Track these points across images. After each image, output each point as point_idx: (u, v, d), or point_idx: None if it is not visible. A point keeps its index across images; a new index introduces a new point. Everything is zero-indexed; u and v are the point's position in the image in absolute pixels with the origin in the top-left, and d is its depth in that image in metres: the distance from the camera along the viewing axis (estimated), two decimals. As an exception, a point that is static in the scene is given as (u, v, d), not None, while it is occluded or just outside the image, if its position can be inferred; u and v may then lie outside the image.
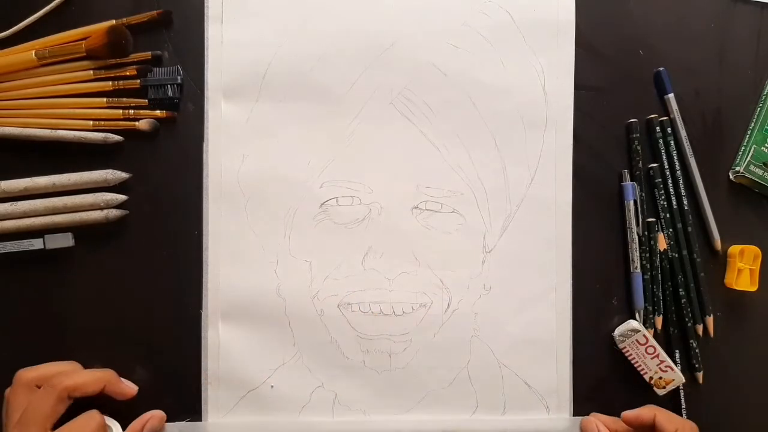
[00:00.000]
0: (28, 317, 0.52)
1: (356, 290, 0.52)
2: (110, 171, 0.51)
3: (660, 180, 0.55)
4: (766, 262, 0.55)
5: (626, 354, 0.54)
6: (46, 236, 0.50)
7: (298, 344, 0.52)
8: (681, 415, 0.54)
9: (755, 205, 0.56)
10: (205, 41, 0.52)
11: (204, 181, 0.52)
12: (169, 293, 0.52)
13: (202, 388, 0.52)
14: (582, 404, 0.54)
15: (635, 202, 0.54)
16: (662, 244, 0.54)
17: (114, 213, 0.51)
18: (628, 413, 0.51)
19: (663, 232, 0.55)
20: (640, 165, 0.54)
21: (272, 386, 0.52)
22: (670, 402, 0.55)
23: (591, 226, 0.54)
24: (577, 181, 0.54)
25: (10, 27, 0.51)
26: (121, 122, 0.51)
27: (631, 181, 0.54)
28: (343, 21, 0.52)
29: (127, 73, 0.51)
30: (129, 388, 0.50)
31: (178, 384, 0.52)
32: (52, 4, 0.51)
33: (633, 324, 0.53)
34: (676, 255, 0.55)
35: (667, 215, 0.55)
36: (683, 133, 0.55)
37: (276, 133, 0.52)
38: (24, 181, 0.51)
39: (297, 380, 0.52)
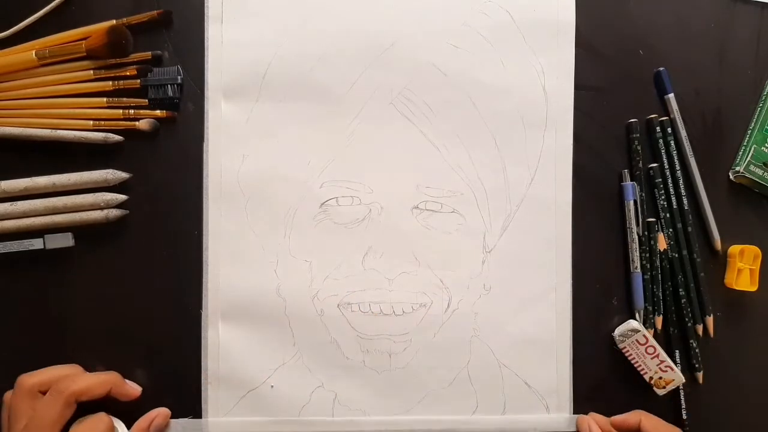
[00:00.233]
0: (27, 317, 0.52)
1: (356, 290, 0.52)
2: (110, 171, 0.51)
3: (660, 180, 0.55)
4: (766, 262, 0.55)
5: (626, 354, 0.54)
6: (46, 236, 0.50)
7: (298, 344, 0.52)
8: (681, 415, 0.55)
9: (755, 205, 0.56)
10: (205, 41, 0.52)
11: (204, 181, 0.52)
12: (169, 293, 0.52)
13: (202, 388, 0.52)
14: (582, 404, 0.54)
15: (635, 202, 0.54)
16: (662, 244, 0.54)
17: (114, 213, 0.51)
18: (615, 418, 0.52)
19: (663, 232, 0.55)
20: (640, 165, 0.54)
21: (272, 386, 0.52)
22: (670, 402, 0.55)
23: (591, 226, 0.54)
24: (577, 181, 0.54)
25: (10, 27, 0.51)
26: (121, 122, 0.51)
27: (631, 181, 0.54)
28: (343, 21, 0.52)
29: (127, 73, 0.51)
30: (133, 389, 0.50)
31: (178, 384, 0.52)
32: (52, 4, 0.51)
33: (633, 324, 0.53)
34: (676, 255, 0.55)
35: (667, 215, 0.55)
36: (683, 133, 0.55)
37: (276, 133, 0.52)
38: (24, 181, 0.51)
39: (297, 380, 0.52)
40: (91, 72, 0.51)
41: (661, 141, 0.55)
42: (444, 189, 0.53)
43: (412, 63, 0.52)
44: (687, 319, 0.54)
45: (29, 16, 0.51)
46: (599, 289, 0.55)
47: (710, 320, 0.55)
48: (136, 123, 0.51)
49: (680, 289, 0.54)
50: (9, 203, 0.50)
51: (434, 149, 0.53)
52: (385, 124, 0.52)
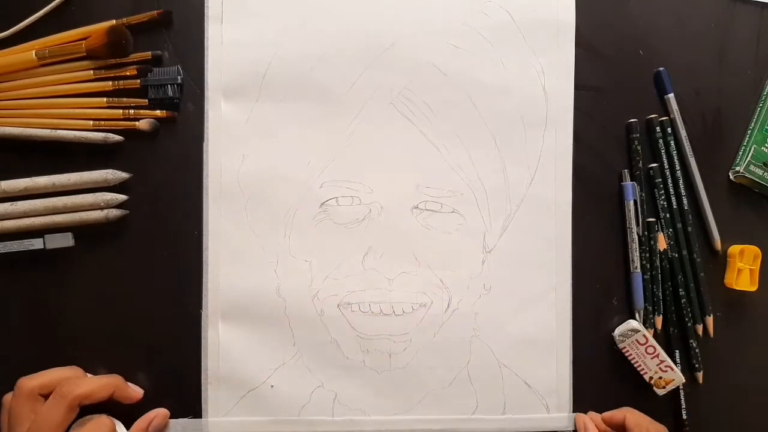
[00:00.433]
0: (27, 317, 0.52)
1: (356, 290, 0.52)
2: (110, 171, 0.51)
3: (660, 180, 0.55)
4: (766, 262, 0.55)
5: (626, 354, 0.54)
6: (46, 236, 0.50)
7: (298, 344, 0.52)
8: (681, 415, 0.55)
9: (755, 205, 0.56)
10: (205, 41, 0.52)
11: (204, 181, 0.52)
12: (169, 293, 0.52)
13: (202, 388, 0.52)
14: (582, 404, 0.54)
15: (635, 202, 0.54)
16: (662, 244, 0.54)
17: (114, 213, 0.51)
18: (604, 414, 0.53)
19: (663, 232, 0.55)
20: (640, 165, 0.54)
21: (272, 386, 0.52)
22: (670, 402, 0.55)
23: (591, 226, 0.54)
24: (577, 181, 0.54)
25: (10, 27, 0.51)
26: (121, 122, 0.51)
27: (631, 181, 0.54)
28: (343, 21, 0.52)
29: (127, 73, 0.51)
30: (136, 392, 0.50)
31: (178, 384, 0.52)
32: (52, 4, 0.51)
33: (633, 324, 0.53)
34: (676, 255, 0.55)
35: (667, 215, 0.55)
36: (683, 133, 0.55)
37: (276, 133, 0.52)
38: (24, 181, 0.51)
39: (297, 380, 0.52)
40: (91, 72, 0.51)
41: (661, 141, 0.55)
42: (444, 189, 0.53)
43: (412, 63, 0.52)
44: (687, 319, 0.54)
45: (29, 16, 0.51)
46: (599, 289, 0.55)
47: (710, 320, 0.55)
48: (136, 123, 0.51)
49: (680, 289, 0.54)
50: (9, 203, 0.50)
51: (434, 149, 0.53)
52: (385, 124, 0.52)
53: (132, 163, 0.52)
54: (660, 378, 0.53)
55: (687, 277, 0.54)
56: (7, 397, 0.48)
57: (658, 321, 0.54)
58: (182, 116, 0.52)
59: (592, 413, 0.53)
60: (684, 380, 0.54)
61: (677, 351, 0.55)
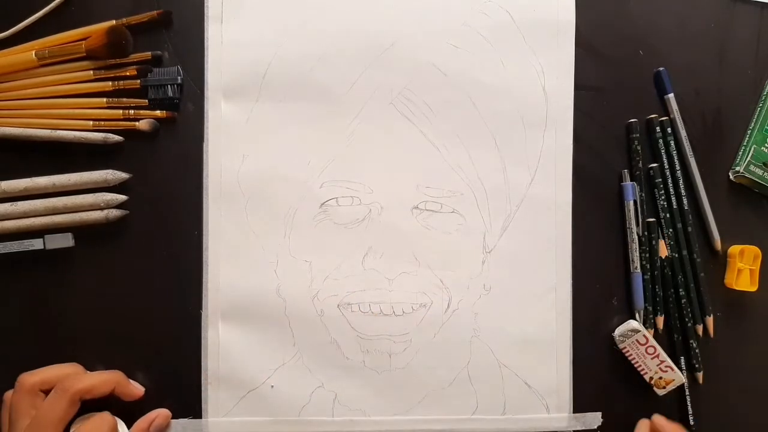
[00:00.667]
0: (27, 317, 0.52)
1: (356, 290, 0.52)
2: (110, 171, 0.51)
3: (660, 180, 0.55)
4: (766, 262, 0.55)
5: (626, 354, 0.54)
6: (46, 236, 0.50)
7: (298, 344, 0.52)
8: (684, 417, 0.55)
9: (755, 205, 0.56)
10: (205, 41, 0.52)
11: (204, 181, 0.52)
12: (169, 293, 0.52)
13: (202, 388, 0.52)
14: (582, 404, 0.54)
15: (635, 202, 0.54)
16: (663, 251, 0.54)
17: (114, 213, 0.51)
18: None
19: (663, 231, 0.55)
20: (640, 165, 0.54)
21: (272, 386, 0.52)
22: (670, 402, 0.55)
23: (591, 226, 0.54)
24: (577, 181, 0.54)
25: (10, 27, 0.51)
26: (121, 122, 0.51)
27: (631, 181, 0.54)
28: (343, 21, 0.52)
29: (127, 74, 0.51)
30: (137, 389, 0.50)
31: (178, 384, 0.52)
32: (52, 5, 0.51)
33: (633, 324, 0.53)
34: (676, 255, 0.55)
35: (667, 215, 0.55)
36: (683, 133, 0.55)
37: (276, 133, 0.52)
38: (24, 181, 0.51)
39: (297, 380, 0.52)
40: (91, 72, 0.51)
41: (661, 141, 0.55)
42: (444, 189, 0.53)
43: (412, 63, 0.52)
44: (687, 320, 0.54)
45: (29, 17, 0.51)
46: (599, 289, 0.55)
47: (710, 320, 0.55)
48: (136, 123, 0.51)
49: (680, 290, 0.54)
50: (9, 203, 0.50)
51: (434, 149, 0.53)
52: (385, 124, 0.52)
53: (132, 163, 0.52)
54: (660, 378, 0.53)
55: (687, 278, 0.54)
56: (8, 393, 0.48)
57: (659, 321, 0.54)
58: (182, 116, 0.52)
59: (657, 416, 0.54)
60: (684, 380, 0.54)
61: (677, 351, 0.54)
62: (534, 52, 0.53)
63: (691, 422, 0.54)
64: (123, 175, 0.51)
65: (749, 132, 0.56)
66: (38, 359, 0.49)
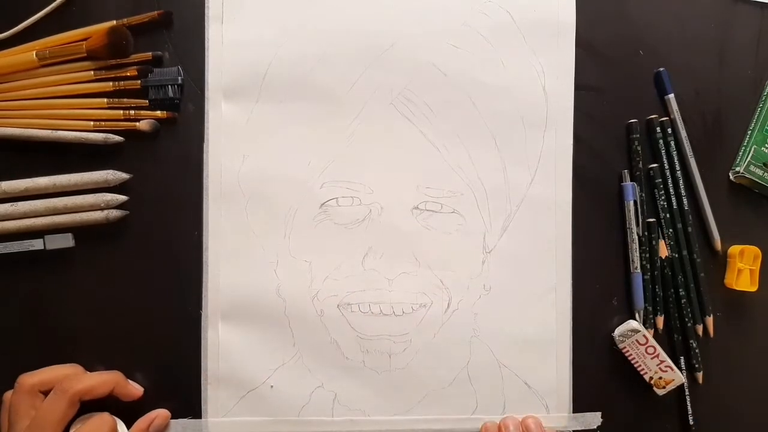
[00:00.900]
0: (27, 317, 0.52)
1: (356, 290, 0.52)
2: (111, 171, 0.51)
3: (660, 180, 0.55)
4: (766, 262, 0.55)
5: (626, 354, 0.54)
6: (46, 237, 0.51)
7: (298, 344, 0.52)
8: (681, 416, 0.55)
9: (755, 205, 0.56)
10: (206, 41, 0.52)
11: (204, 181, 0.52)
12: (169, 293, 0.52)
13: (202, 388, 0.52)
14: (582, 404, 0.54)
15: (635, 202, 0.54)
16: (663, 251, 0.54)
17: (114, 213, 0.51)
18: None
19: (663, 231, 0.55)
20: (640, 165, 0.54)
21: (272, 386, 0.52)
22: (670, 402, 0.55)
23: (591, 226, 0.54)
24: (577, 181, 0.54)
25: (11, 27, 0.51)
26: (121, 123, 0.51)
27: (631, 181, 0.54)
28: (343, 21, 0.52)
29: (128, 74, 0.51)
30: (136, 389, 0.51)
31: (178, 384, 0.52)
32: (53, 5, 0.51)
33: (633, 324, 0.53)
34: (676, 255, 0.55)
35: (667, 215, 0.55)
36: (683, 133, 0.55)
37: (276, 134, 0.52)
38: (24, 181, 0.51)
39: (297, 380, 0.52)
40: (92, 73, 0.51)
41: (661, 141, 0.55)
42: (444, 189, 0.53)
43: (412, 63, 0.52)
44: (687, 320, 0.54)
45: (30, 17, 0.51)
46: (599, 289, 0.55)
47: (710, 320, 0.55)
48: (137, 124, 0.51)
49: (680, 290, 0.54)
50: (9, 204, 0.51)
51: (434, 149, 0.53)
52: (386, 124, 0.52)
53: (132, 163, 0.52)
54: (660, 378, 0.53)
55: (687, 278, 0.54)
56: (8, 394, 0.48)
57: (659, 321, 0.54)
58: (182, 117, 0.52)
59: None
60: (684, 380, 0.54)
61: (677, 351, 0.54)
62: (534, 52, 0.53)
63: (691, 422, 0.54)
64: (123, 176, 0.51)
65: (749, 132, 0.56)
66: (38, 359, 0.50)
